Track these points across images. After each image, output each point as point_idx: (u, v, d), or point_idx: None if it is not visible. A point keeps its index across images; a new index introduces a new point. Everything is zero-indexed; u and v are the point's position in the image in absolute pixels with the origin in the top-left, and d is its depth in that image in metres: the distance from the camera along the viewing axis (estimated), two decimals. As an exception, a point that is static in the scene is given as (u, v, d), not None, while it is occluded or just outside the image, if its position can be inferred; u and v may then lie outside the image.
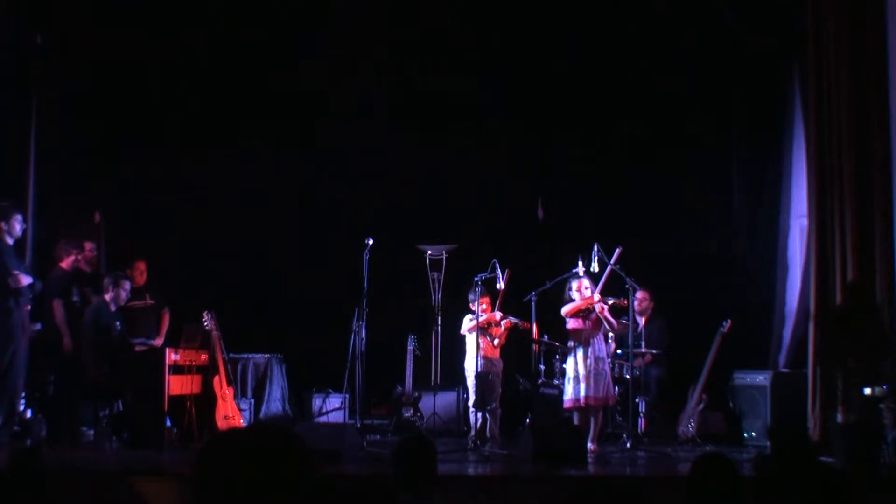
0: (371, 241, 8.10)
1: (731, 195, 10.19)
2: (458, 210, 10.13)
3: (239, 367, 9.53)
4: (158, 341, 8.70)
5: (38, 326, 8.34)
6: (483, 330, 8.26)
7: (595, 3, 9.90)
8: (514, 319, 8.29)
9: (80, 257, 8.57)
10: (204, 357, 8.48)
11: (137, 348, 8.43)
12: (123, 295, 8.21)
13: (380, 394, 9.50)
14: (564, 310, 7.99)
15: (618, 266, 7.95)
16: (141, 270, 8.90)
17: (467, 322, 8.36)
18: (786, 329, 9.37)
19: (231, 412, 8.44)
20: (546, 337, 8.73)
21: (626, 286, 7.99)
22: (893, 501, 5.65)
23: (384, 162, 10.18)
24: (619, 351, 8.82)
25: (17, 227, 7.91)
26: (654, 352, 9.07)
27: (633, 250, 9.02)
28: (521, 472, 6.99)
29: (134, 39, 9.61)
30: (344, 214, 9.91)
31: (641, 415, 8.69)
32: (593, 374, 7.88)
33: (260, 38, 10.00)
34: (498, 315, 8.30)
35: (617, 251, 7.89)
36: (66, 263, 8.45)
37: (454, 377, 9.10)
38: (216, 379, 8.41)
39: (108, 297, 8.09)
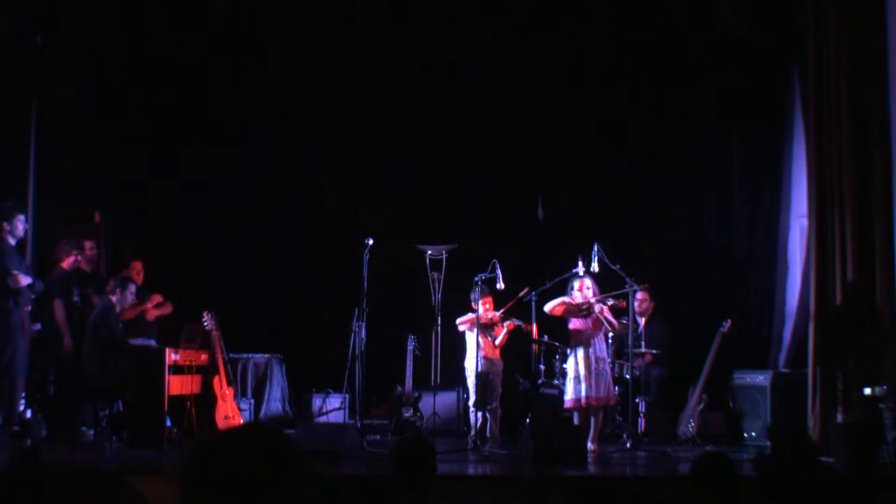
0: (371, 241, 8.09)
1: (731, 195, 10.20)
2: (458, 210, 10.13)
3: (239, 367, 9.53)
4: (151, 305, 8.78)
5: (38, 326, 8.34)
6: (485, 329, 8.27)
7: (595, 3, 9.90)
8: (517, 321, 8.29)
9: (79, 257, 8.58)
10: (204, 357, 8.48)
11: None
12: (129, 298, 8.23)
13: (380, 394, 9.50)
14: (548, 306, 7.96)
15: (618, 266, 7.95)
16: (137, 270, 8.90)
17: (464, 317, 8.35)
18: (786, 329, 9.38)
19: (231, 412, 8.45)
20: (546, 337, 8.73)
21: (626, 286, 7.99)
22: (893, 501, 5.64)
23: (384, 162, 10.18)
24: (624, 350, 8.82)
25: (20, 228, 7.91)
26: (654, 352, 9.08)
27: (634, 250, 9.05)
28: (521, 472, 6.99)
29: (133, 38, 9.62)
30: (344, 215, 9.91)
31: (641, 415, 8.69)
32: (594, 375, 7.87)
33: (260, 37, 10.01)
34: (496, 315, 8.29)
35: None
36: (66, 263, 8.45)
37: (454, 377, 9.09)
38: (216, 379, 8.41)
39: (114, 298, 8.09)
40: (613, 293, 8.01)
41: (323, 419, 9.33)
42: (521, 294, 8.06)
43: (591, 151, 10.13)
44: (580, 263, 7.91)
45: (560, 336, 8.48)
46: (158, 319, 8.99)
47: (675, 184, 10.11)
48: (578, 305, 7.94)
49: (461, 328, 8.40)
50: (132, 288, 8.26)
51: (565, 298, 7.97)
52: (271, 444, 1.81)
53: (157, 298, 8.93)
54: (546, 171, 10.22)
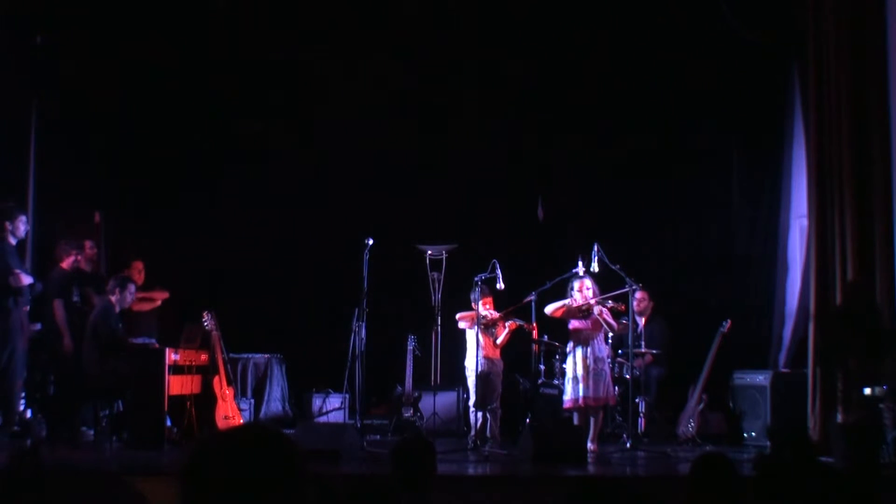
0: (371, 241, 8.09)
1: (731, 195, 10.19)
2: (458, 210, 10.13)
3: (239, 367, 9.53)
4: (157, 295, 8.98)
5: (38, 326, 8.35)
6: (487, 328, 8.27)
7: (595, 3, 9.90)
8: (519, 321, 8.29)
9: (79, 257, 8.58)
10: (204, 357, 8.48)
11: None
12: (129, 298, 8.23)
13: (380, 394, 9.50)
14: (549, 309, 7.99)
15: (618, 266, 7.95)
16: (139, 270, 8.92)
17: (463, 313, 8.35)
18: (786, 329, 9.38)
19: (231, 412, 8.45)
20: (546, 337, 8.73)
21: (627, 286, 7.99)
22: (893, 501, 5.65)
23: (384, 162, 10.17)
24: (619, 351, 8.83)
25: (21, 228, 7.92)
26: (654, 352, 9.08)
27: (634, 250, 9.05)
28: (521, 472, 6.99)
29: (134, 39, 9.62)
30: (344, 214, 9.91)
31: (641, 415, 8.69)
32: (592, 375, 7.87)
33: (261, 37, 10.01)
34: (497, 314, 8.29)
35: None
36: (66, 263, 8.46)
37: (454, 377, 9.10)
38: (216, 379, 8.41)
39: (113, 298, 8.10)
40: (612, 294, 8.02)
41: (323, 419, 9.33)
42: (525, 301, 8.05)
43: (592, 152, 10.13)
44: (580, 263, 7.91)
45: (560, 336, 8.48)
46: (159, 319, 9.01)
47: (675, 184, 10.11)
48: (579, 307, 7.94)
49: (461, 325, 8.39)
50: (132, 287, 8.26)
51: (566, 301, 7.97)
52: (271, 444, 1.81)
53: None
54: (546, 171, 10.22)
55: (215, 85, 10.05)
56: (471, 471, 7.12)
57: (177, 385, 8.03)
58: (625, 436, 8.04)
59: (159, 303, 9.04)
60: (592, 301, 7.93)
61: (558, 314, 8.01)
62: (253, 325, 9.75)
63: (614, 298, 8.01)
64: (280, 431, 1.89)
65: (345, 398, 9.13)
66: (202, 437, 1.87)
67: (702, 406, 8.85)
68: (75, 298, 8.42)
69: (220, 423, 8.23)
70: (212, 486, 1.75)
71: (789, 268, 9.56)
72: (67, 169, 9.32)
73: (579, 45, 9.99)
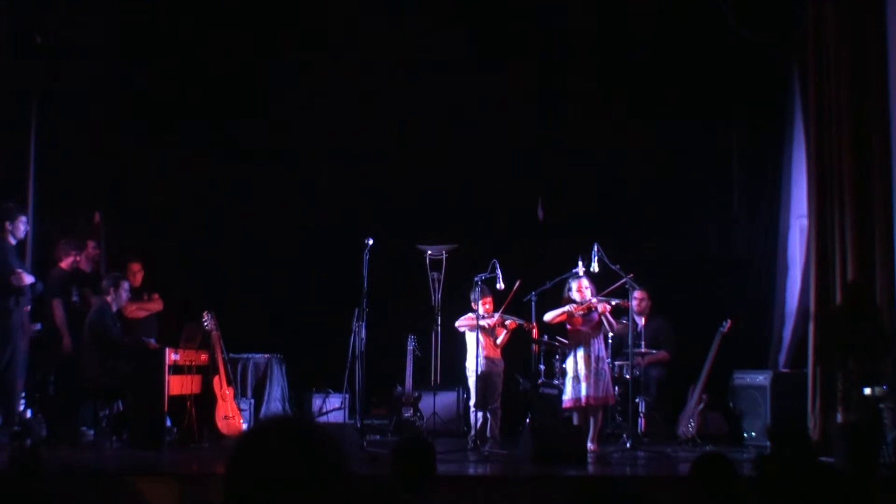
0: (371, 241, 8.09)
1: (731, 195, 10.19)
2: (458, 210, 10.12)
3: (239, 367, 9.52)
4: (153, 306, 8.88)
5: (38, 326, 8.35)
6: (487, 329, 8.27)
7: (594, 3, 9.90)
8: (518, 320, 8.29)
9: (79, 257, 8.58)
10: (204, 357, 8.48)
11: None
12: (124, 296, 8.23)
13: (380, 394, 9.50)
14: (548, 317, 8.00)
15: (618, 266, 7.96)
16: (134, 272, 8.90)
17: (463, 318, 8.35)
18: (786, 329, 9.37)
19: (231, 412, 8.45)
20: (546, 337, 8.73)
21: (626, 286, 8.00)
22: (893, 501, 5.65)
23: (384, 162, 10.17)
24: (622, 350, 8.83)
25: (21, 228, 7.93)
26: (653, 352, 9.08)
27: (634, 251, 9.05)
28: (521, 472, 6.99)
29: (133, 38, 9.62)
30: (344, 214, 9.90)
31: (641, 415, 8.69)
32: (593, 374, 7.89)
33: (260, 36, 10.01)
34: (497, 318, 8.29)
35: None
36: (65, 263, 8.46)
37: (454, 377, 9.10)
38: (216, 379, 8.42)
39: (109, 298, 8.10)
40: (610, 290, 8.02)
41: (323, 419, 9.33)
42: (515, 288, 8.04)
43: (591, 151, 10.12)
44: (580, 263, 7.92)
45: (560, 336, 8.49)
46: (159, 319, 9.00)
47: (675, 184, 10.11)
48: (579, 307, 7.94)
49: (461, 329, 8.40)
50: (125, 285, 8.25)
51: (565, 309, 7.97)
52: (315, 439, 1.80)
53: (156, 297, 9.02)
54: (546, 171, 10.22)
55: (214, 84, 10.04)
56: (471, 471, 7.12)
57: (177, 385, 8.03)
58: (625, 436, 8.04)
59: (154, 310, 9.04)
60: (594, 300, 7.94)
61: (558, 321, 8.02)
62: (253, 325, 9.75)
63: (617, 296, 8.02)
64: (322, 427, 1.88)
65: (345, 398, 9.13)
66: (244, 435, 1.86)
67: (702, 406, 8.86)
68: (74, 299, 8.41)
69: (220, 423, 8.24)
70: (257, 485, 1.73)
71: (789, 268, 9.56)
72: (67, 169, 9.32)
73: (579, 46, 9.99)
